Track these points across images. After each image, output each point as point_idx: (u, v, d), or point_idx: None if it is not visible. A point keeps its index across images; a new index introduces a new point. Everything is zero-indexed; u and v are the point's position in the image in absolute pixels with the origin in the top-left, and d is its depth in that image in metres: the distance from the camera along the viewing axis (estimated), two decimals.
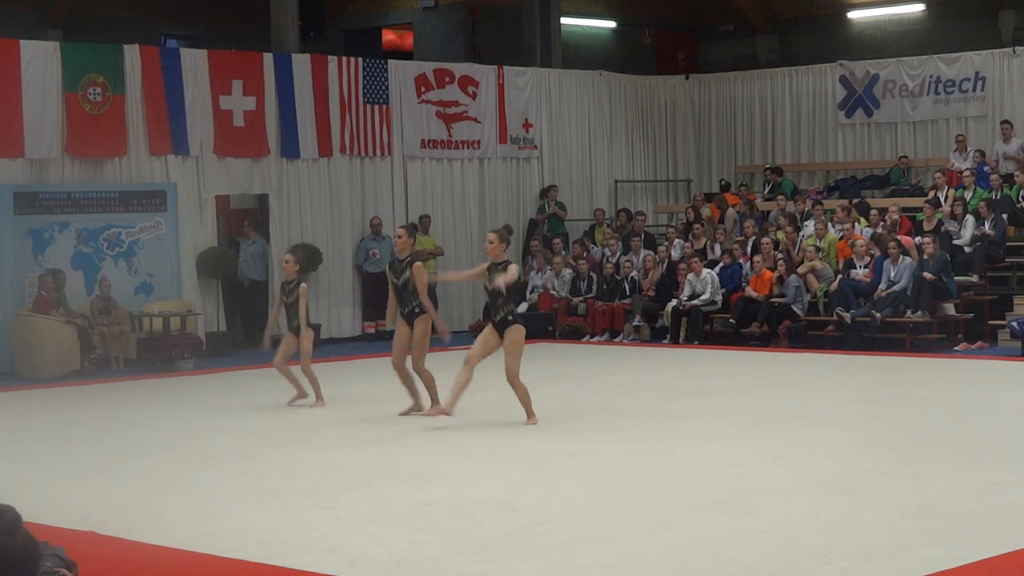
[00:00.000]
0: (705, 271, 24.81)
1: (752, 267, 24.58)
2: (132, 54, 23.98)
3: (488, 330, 15.09)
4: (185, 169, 24.48)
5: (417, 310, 15.83)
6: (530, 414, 15.10)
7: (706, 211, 28.01)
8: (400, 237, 15.98)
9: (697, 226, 26.78)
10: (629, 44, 35.68)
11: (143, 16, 31.62)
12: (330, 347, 25.18)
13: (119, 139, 23.70)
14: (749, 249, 25.30)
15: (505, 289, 14.69)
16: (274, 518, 10.46)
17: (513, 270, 14.83)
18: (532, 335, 25.16)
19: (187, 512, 10.84)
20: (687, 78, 32.77)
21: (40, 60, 22.98)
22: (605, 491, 11.30)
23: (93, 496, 11.63)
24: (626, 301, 25.69)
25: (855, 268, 23.73)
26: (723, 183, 30.04)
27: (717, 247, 26.13)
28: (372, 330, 26.65)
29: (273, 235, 25.62)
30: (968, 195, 25.33)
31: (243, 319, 26.07)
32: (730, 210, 27.79)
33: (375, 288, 26.52)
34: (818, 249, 24.49)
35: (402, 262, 15.84)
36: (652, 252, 26.56)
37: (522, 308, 26.50)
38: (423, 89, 27.74)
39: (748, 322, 23.90)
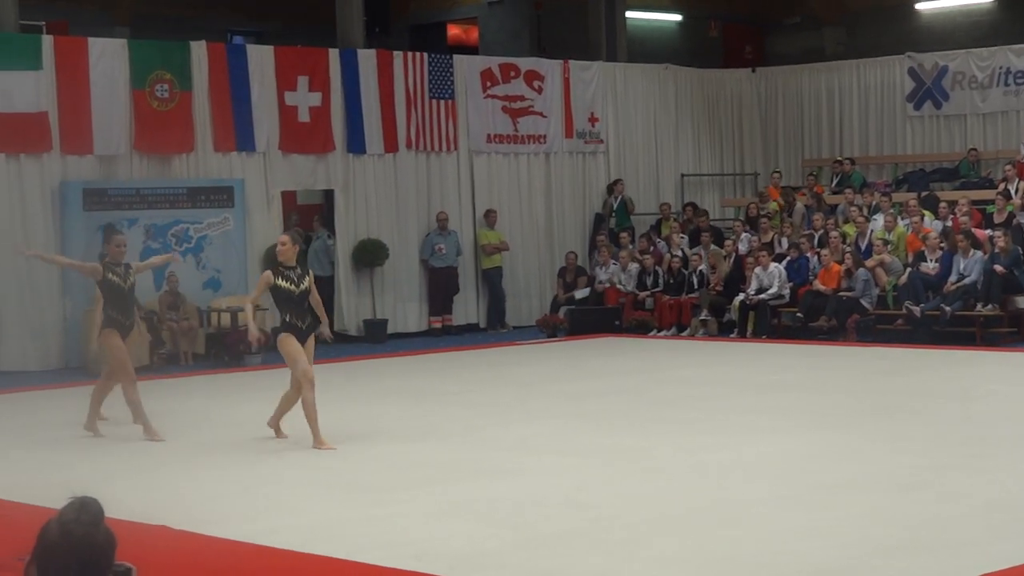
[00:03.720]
0: (772, 265, 24.68)
1: (820, 261, 24.43)
2: (199, 51, 24.10)
3: (291, 340, 14.21)
4: (251, 165, 24.58)
5: (316, 323, 14.76)
6: (276, 423, 14.37)
7: (773, 205, 27.85)
8: (284, 244, 14.39)
9: (764, 220, 26.63)
10: (695, 37, 35.54)
11: (209, 13, 31.77)
12: (396, 342, 25.22)
13: (186, 135, 23.82)
14: (817, 242, 25.14)
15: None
16: (341, 513, 10.49)
17: (311, 279, 14.41)
18: (598, 330, 25.25)
19: (255, 507, 10.89)
20: (754, 71, 32.61)
21: (108, 58, 23.12)
22: (672, 486, 11.27)
23: (164, 491, 11.69)
24: (693, 295, 25.58)
25: (925, 261, 23.53)
26: (776, 174, 29.75)
27: (784, 241, 25.98)
28: (438, 324, 26.66)
29: (339, 230, 25.68)
30: None
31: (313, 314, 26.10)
32: (798, 204, 27.63)
33: (441, 283, 26.57)
34: (887, 242, 24.31)
35: (293, 270, 14.30)
36: (719, 247, 26.45)
37: (581, 295, 26.49)
38: (489, 84, 27.73)
39: (816, 316, 23.76)
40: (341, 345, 24.95)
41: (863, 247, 24.62)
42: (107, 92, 22.97)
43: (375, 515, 10.33)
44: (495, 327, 27.18)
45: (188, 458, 13.42)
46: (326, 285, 25.56)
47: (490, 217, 27.28)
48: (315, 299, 14.68)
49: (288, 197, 25.79)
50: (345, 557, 8.98)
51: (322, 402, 17.00)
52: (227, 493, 11.54)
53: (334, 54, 25.70)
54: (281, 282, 14.19)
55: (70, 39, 23.67)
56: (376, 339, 25.32)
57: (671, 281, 26.08)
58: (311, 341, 14.45)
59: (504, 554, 9.02)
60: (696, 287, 25.71)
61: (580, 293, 26.86)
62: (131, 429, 15.20)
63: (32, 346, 22.10)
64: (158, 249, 22.99)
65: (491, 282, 27.32)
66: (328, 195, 26.16)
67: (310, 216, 26.47)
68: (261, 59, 24.78)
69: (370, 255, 25.62)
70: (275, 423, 14.53)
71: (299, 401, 14.18)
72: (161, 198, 23.25)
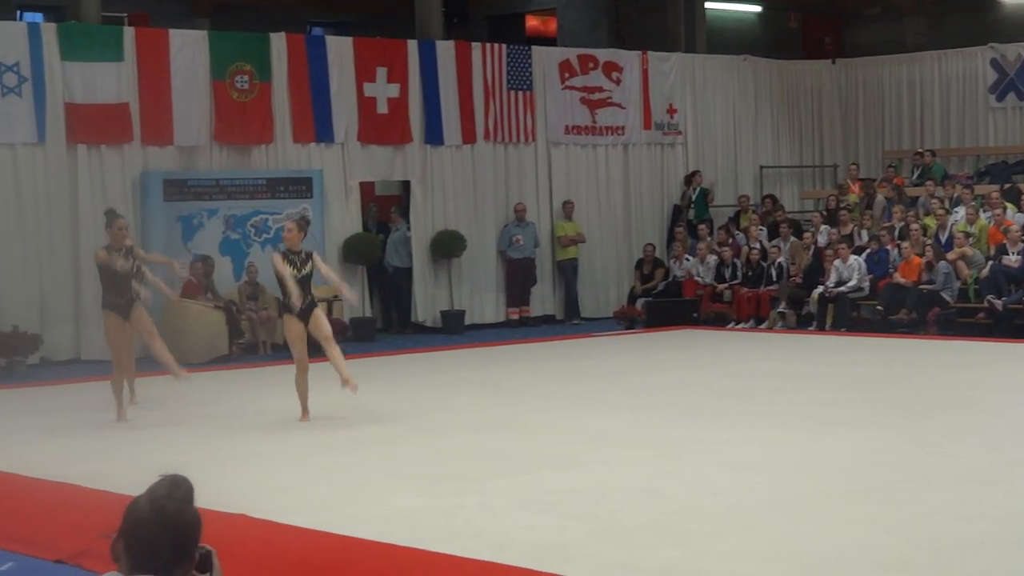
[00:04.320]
0: (852, 257, 24.51)
1: (900, 253, 24.24)
2: (278, 42, 24.21)
3: (295, 322, 14.89)
4: (330, 156, 24.68)
5: (316, 302, 15.32)
6: (348, 376, 14.98)
7: (852, 197, 27.67)
8: (290, 231, 15.06)
9: (843, 212, 26.45)
10: (774, 29, 35.35)
11: (289, 4, 31.90)
12: (474, 333, 25.26)
13: (265, 126, 23.95)
14: (897, 235, 24.95)
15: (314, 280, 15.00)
16: (420, 503, 10.51)
17: (318, 257, 15.24)
18: (676, 322, 25.17)
19: (334, 496, 10.93)
20: (834, 62, 32.38)
21: (188, 49, 23.27)
22: (750, 478, 11.21)
23: (243, 479, 11.76)
24: (772, 288, 25.45)
25: (1007, 254, 23.29)
26: (854, 166, 29.50)
27: (864, 233, 25.80)
28: (515, 316, 26.67)
29: (415, 222, 25.73)
30: None
31: (393, 304, 26.21)
32: (878, 196, 27.42)
33: (518, 274, 26.57)
34: (968, 235, 24.09)
35: (298, 255, 14.98)
36: (798, 239, 26.29)
37: (657, 287, 26.43)
38: (567, 75, 27.69)
39: (896, 309, 23.58)
40: (418, 336, 25.04)
41: (944, 240, 24.40)
42: (187, 83, 23.13)
43: (454, 506, 10.34)
44: (569, 319, 27.17)
45: (265, 447, 13.49)
46: (404, 276, 25.66)
47: (567, 208, 27.25)
48: (325, 271, 15.44)
49: (366, 188, 25.86)
50: (425, 547, 8.99)
51: (401, 392, 17.08)
52: (305, 482, 11.58)
53: (413, 45, 25.75)
54: (287, 267, 14.86)
55: (151, 31, 23.84)
56: (453, 330, 25.37)
57: (749, 273, 25.96)
58: (318, 314, 15.09)
59: (583, 545, 9.01)
60: (775, 279, 25.58)
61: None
62: (204, 418, 15.32)
63: None
64: (237, 240, 23.19)
65: (565, 274, 27.29)
66: (405, 186, 26.21)
67: (388, 207, 26.54)
68: (340, 50, 24.87)
69: (447, 246, 25.66)
70: (345, 378, 15.03)
71: (337, 357, 15.06)
72: (240, 189, 23.37)
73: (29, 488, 11.57)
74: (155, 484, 3.99)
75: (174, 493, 3.97)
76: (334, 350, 15.05)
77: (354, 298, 15.96)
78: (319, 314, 15.21)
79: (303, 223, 15.52)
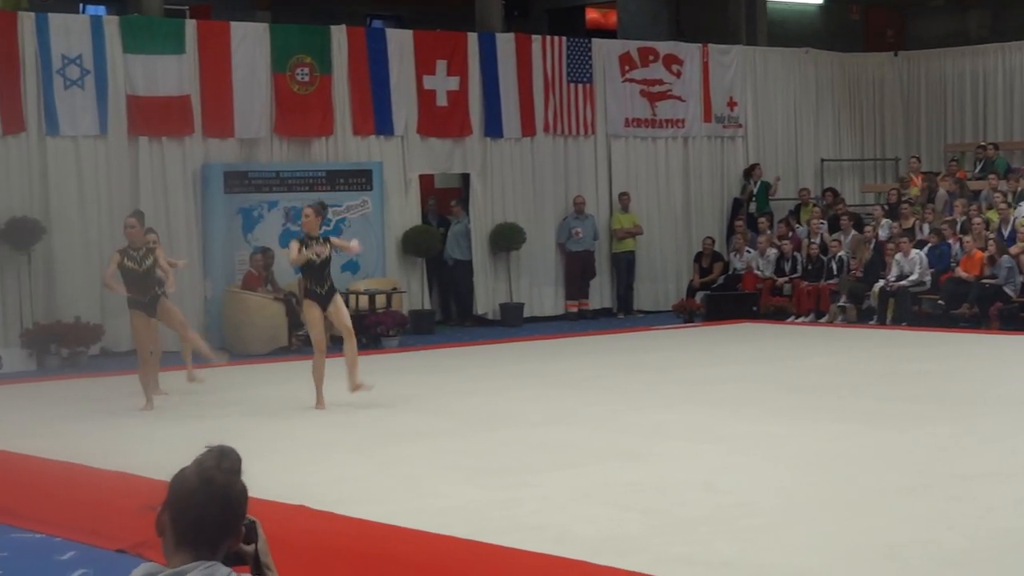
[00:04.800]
0: (914, 251, 24.36)
1: (962, 247, 24.07)
2: (339, 35, 24.27)
3: (314, 307, 15.36)
4: (389, 149, 24.72)
5: (335, 287, 15.76)
6: (357, 380, 15.50)
7: (914, 191, 27.49)
8: (307, 216, 15.49)
9: (905, 206, 26.28)
10: (836, 21, 35.14)
11: None
12: (532, 326, 25.25)
13: (326, 119, 24.02)
14: (959, 229, 24.77)
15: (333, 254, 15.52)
16: (479, 495, 10.51)
17: (336, 241, 15.78)
18: (735, 315, 25.09)
19: (394, 488, 10.95)
20: (896, 55, 32.16)
21: (249, 42, 23.37)
22: (810, 473, 11.17)
23: (303, 470, 11.80)
24: (832, 281, 25.33)
25: None
26: (914, 159, 29.28)
27: (926, 227, 25.63)
28: (574, 309, 26.66)
29: (475, 214, 25.75)
30: None
31: (453, 297, 26.25)
32: (940, 190, 27.24)
33: (577, 267, 26.55)
34: None
35: (315, 240, 15.37)
36: (859, 232, 26.14)
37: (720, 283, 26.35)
38: (627, 68, 27.64)
39: (958, 303, 23.41)
40: (478, 329, 25.06)
41: (1006, 234, 24.21)
42: (248, 76, 23.22)
43: (513, 498, 10.35)
44: (624, 312, 27.11)
45: (324, 438, 13.53)
46: (465, 269, 25.68)
47: (623, 200, 27.20)
48: (339, 243, 15.95)
49: (426, 181, 25.89)
50: (484, 540, 9.00)
51: (460, 384, 17.10)
52: (364, 474, 11.61)
53: (473, 38, 25.76)
54: (306, 252, 15.24)
55: (212, 23, 23.95)
56: (512, 323, 25.38)
57: (809, 267, 25.83)
58: (337, 301, 15.50)
59: (642, 539, 9.00)
60: (835, 273, 25.45)
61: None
62: (263, 409, 15.39)
63: None
64: (296, 232, 23.20)
65: (619, 267, 27.22)
66: (465, 179, 26.23)
67: (447, 200, 26.57)
68: (400, 43, 24.91)
69: (507, 239, 25.67)
70: (354, 385, 15.50)
71: (351, 351, 15.48)
72: (300, 181, 23.45)
73: (91, 478, 11.65)
74: (203, 455, 3.89)
75: (222, 464, 3.86)
76: (352, 343, 15.46)
77: (358, 248, 16.28)
78: (340, 302, 15.60)
79: (320, 208, 15.89)
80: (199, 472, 3.84)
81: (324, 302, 15.37)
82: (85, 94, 21.79)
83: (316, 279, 15.38)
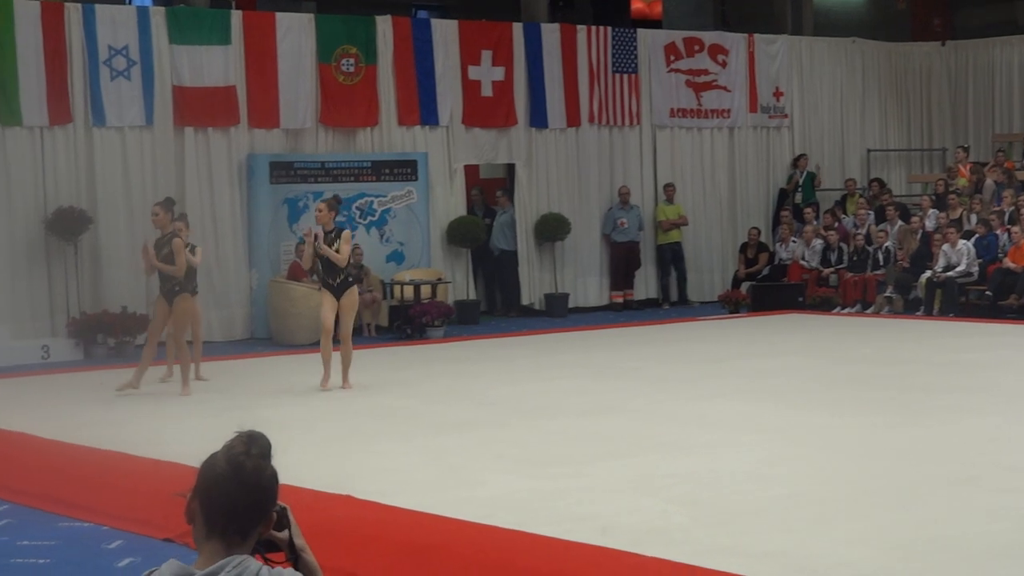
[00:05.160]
0: (961, 242, 24.22)
1: (1010, 238, 23.91)
2: (384, 25, 24.30)
3: (327, 294, 16.05)
4: (435, 139, 24.74)
5: (350, 280, 16.22)
6: (346, 378, 16.14)
7: (962, 181, 27.33)
8: (320, 211, 16.15)
9: (952, 196, 26.14)
10: (883, 10, 34.93)
11: None
12: (576, 316, 25.23)
13: (371, 109, 24.05)
14: (1007, 219, 24.61)
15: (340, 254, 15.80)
16: (525, 486, 10.50)
17: (347, 235, 16.03)
18: (781, 306, 25.00)
19: (439, 478, 10.95)
20: (943, 44, 31.95)
21: (295, 32, 23.42)
22: (858, 464, 11.12)
23: (347, 460, 11.81)
24: (879, 272, 25.20)
25: None
26: (960, 149, 29.09)
27: (973, 217, 25.48)
28: (619, 299, 26.62)
29: (520, 204, 25.74)
30: None
31: (499, 287, 26.24)
32: (988, 180, 27.07)
33: (622, 257, 26.52)
34: None
35: (330, 234, 16.00)
36: (905, 223, 26.00)
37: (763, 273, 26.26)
38: (672, 58, 27.57)
39: (1005, 294, 23.26)
40: (523, 319, 25.07)
41: None
42: (294, 66, 23.28)
43: (558, 488, 10.33)
44: (668, 302, 27.06)
45: (368, 429, 13.54)
46: (510, 259, 25.67)
47: (668, 191, 27.14)
48: (326, 251, 15.98)
49: (470, 171, 25.89)
50: (529, 530, 8.99)
51: (505, 374, 17.09)
52: (410, 464, 11.61)
53: (518, 28, 25.75)
54: (308, 251, 16.03)
55: (258, 14, 24.02)
56: (557, 313, 25.37)
57: (855, 259, 25.71)
58: (351, 297, 16.06)
59: (687, 530, 8.97)
60: (882, 264, 25.33)
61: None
62: (307, 399, 15.43)
63: (217, 317, 22.47)
64: (342, 222, 23.22)
65: (664, 258, 27.16)
66: (510, 169, 26.21)
67: (492, 190, 26.57)
68: (445, 33, 24.91)
69: (552, 229, 25.65)
70: (345, 382, 16.17)
71: (346, 355, 16.23)
72: (346, 171, 23.49)
73: (138, 466, 11.69)
74: (231, 440, 3.85)
75: (251, 450, 3.82)
76: (347, 348, 16.19)
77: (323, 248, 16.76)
78: (351, 302, 16.10)
79: (333, 203, 16.41)
80: (228, 458, 3.79)
81: (337, 294, 16.00)
82: (131, 85, 21.88)
83: (328, 271, 16.00)
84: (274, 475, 3.84)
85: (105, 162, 21.67)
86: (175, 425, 13.95)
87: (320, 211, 16.14)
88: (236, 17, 23.13)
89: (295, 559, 3.95)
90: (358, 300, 16.58)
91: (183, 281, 16.18)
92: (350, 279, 16.15)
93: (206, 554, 3.75)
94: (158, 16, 22.44)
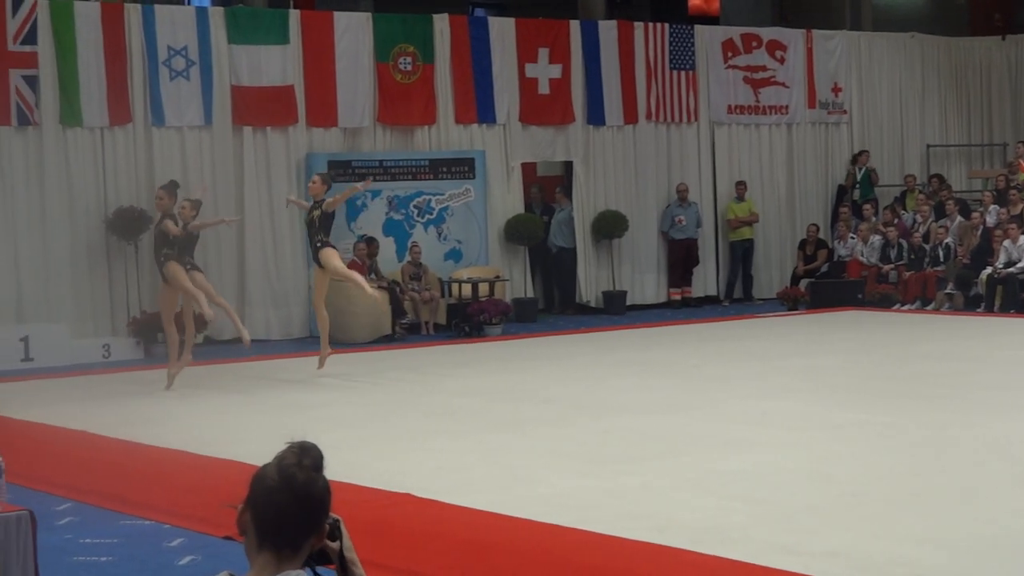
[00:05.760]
0: (1022, 238, 24.03)
1: None
2: (441, 24, 24.34)
3: (314, 268, 17.39)
4: (492, 137, 24.76)
5: (319, 244, 17.03)
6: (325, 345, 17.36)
7: (1022, 176, 27.11)
8: (315, 183, 17.27)
9: (1013, 191, 25.94)
10: (942, 5, 34.76)
11: None
12: (634, 314, 25.19)
13: (428, 108, 24.10)
14: None
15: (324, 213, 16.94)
16: (583, 484, 10.50)
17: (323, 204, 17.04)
18: (840, 303, 24.88)
19: (498, 476, 10.96)
20: (1004, 39, 31.72)
21: (353, 31, 23.49)
22: (918, 462, 11.06)
23: (407, 459, 11.83)
24: (939, 268, 25.05)
25: None
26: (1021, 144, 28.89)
27: None
28: (677, 297, 26.57)
29: (577, 202, 25.72)
30: None
31: (556, 284, 26.24)
32: None
33: (680, 255, 26.47)
34: None
35: (320, 203, 17.07)
36: (965, 219, 25.83)
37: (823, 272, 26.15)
38: (730, 54, 27.49)
39: None
40: (580, 317, 25.05)
41: None
42: (351, 65, 23.35)
43: (616, 487, 10.33)
44: (731, 299, 27.01)
45: (427, 427, 13.56)
46: (568, 257, 25.67)
47: (739, 189, 27.08)
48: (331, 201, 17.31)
49: (528, 169, 25.91)
50: (589, 528, 8.98)
51: (564, 372, 17.08)
52: (470, 462, 11.63)
53: (575, 25, 25.74)
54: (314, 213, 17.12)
55: (316, 13, 24.11)
56: (615, 311, 25.34)
57: (912, 257, 25.56)
58: (325, 253, 16.95)
59: (746, 528, 8.94)
60: (942, 260, 25.17)
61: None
62: (367, 397, 15.48)
63: (275, 315, 22.57)
64: (400, 221, 23.39)
65: (735, 255, 27.10)
66: (567, 167, 26.21)
67: (550, 188, 26.58)
68: (502, 31, 24.94)
69: (609, 227, 25.63)
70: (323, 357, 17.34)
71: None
72: (403, 170, 23.55)
73: (198, 465, 11.76)
74: (283, 451, 3.82)
75: (303, 461, 3.79)
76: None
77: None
78: (327, 260, 16.96)
79: (327, 176, 17.71)
80: (280, 469, 3.78)
81: (316, 255, 17.11)
82: (190, 85, 22.01)
83: (313, 235, 17.20)
84: (326, 487, 3.82)
85: (164, 162, 21.80)
86: (234, 423, 14.02)
87: (314, 183, 17.29)
88: (294, 16, 23.22)
89: (344, 572, 3.96)
90: (335, 252, 17.21)
91: (176, 252, 16.67)
92: (319, 244, 16.99)
93: (258, 566, 3.74)
94: (217, 16, 22.57)
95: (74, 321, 20.84)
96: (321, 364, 17.24)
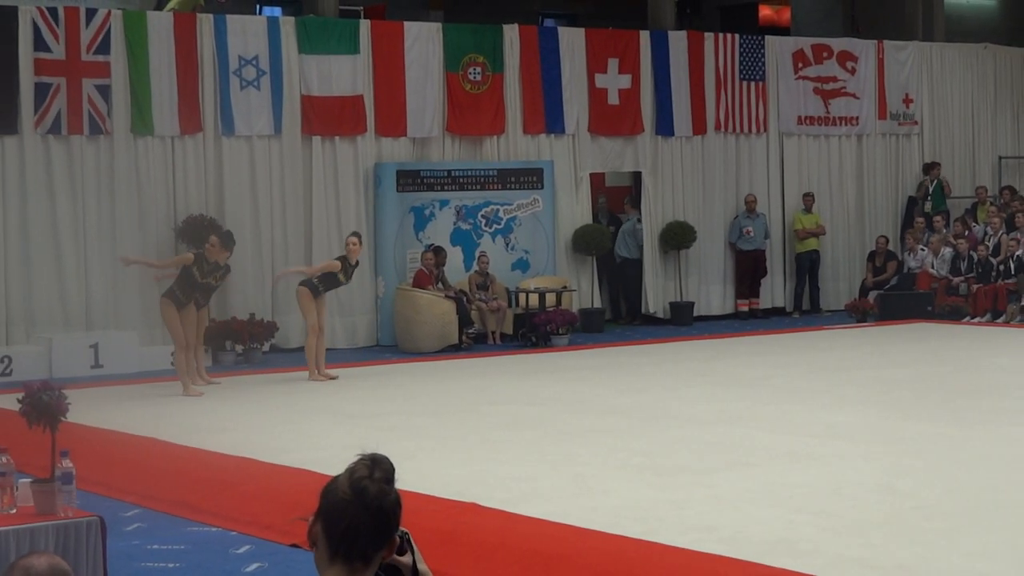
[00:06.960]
0: None
1: None
2: (511, 34, 24.36)
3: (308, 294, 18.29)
4: (560, 147, 24.74)
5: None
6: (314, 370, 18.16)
7: None
8: (355, 245, 18.44)
9: None
10: (1015, 16, 34.48)
11: None
12: (701, 325, 25.10)
13: (497, 118, 24.11)
14: None
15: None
16: (650, 495, 10.47)
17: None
18: (909, 315, 24.71)
19: (565, 487, 10.94)
20: None
21: (423, 41, 23.54)
22: (990, 476, 10.96)
23: (473, 468, 11.83)
24: (1010, 281, 24.83)
25: None
26: None
27: None
28: (745, 308, 26.46)
29: (646, 212, 25.66)
30: None
31: (622, 295, 26.20)
32: None
33: (748, 266, 26.35)
34: None
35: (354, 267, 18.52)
36: None
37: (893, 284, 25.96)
38: (800, 65, 27.36)
39: None
40: (647, 327, 24.99)
41: None
42: (421, 75, 23.39)
43: (684, 498, 10.29)
44: (800, 311, 26.85)
45: (494, 437, 13.56)
46: (634, 267, 25.61)
47: (807, 200, 26.93)
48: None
49: (596, 179, 25.88)
50: (656, 540, 8.95)
51: (631, 383, 17.06)
52: (536, 472, 11.61)
53: (645, 36, 25.69)
54: (341, 276, 18.38)
55: (386, 23, 24.16)
56: (682, 321, 25.26)
57: (980, 270, 25.34)
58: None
59: (815, 541, 8.89)
60: (1013, 272, 24.95)
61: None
62: (433, 407, 15.49)
63: (341, 324, 22.62)
64: (468, 230, 23.40)
65: (802, 266, 26.95)
66: (636, 177, 26.17)
67: (619, 198, 26.53)
68: (572, 41, 24.93)
69: (677, 237, 25.55)
70: (314, 372, 18.12)
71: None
72: (472, 179, 23.57)
73: (265, 473, 11.79)
74: (354, 464, 3.84)
75: (375, 473, 3.81)
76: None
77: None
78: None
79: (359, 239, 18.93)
80: (351, 482, 3.80)
81: (316, 294, 18.31)
82: (260, 94, 22.12)
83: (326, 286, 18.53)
84: (397, 499, 3.85)
85: (233, 171, 21.92)
86: (300, 431, 14.06)
87: (355, 245, 18.46)
88: (364, 27, 23.29)
89: None
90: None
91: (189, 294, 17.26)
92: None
93: None
94: (287, 26, 22.67)
95: (142, 328, 20.95)
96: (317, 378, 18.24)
